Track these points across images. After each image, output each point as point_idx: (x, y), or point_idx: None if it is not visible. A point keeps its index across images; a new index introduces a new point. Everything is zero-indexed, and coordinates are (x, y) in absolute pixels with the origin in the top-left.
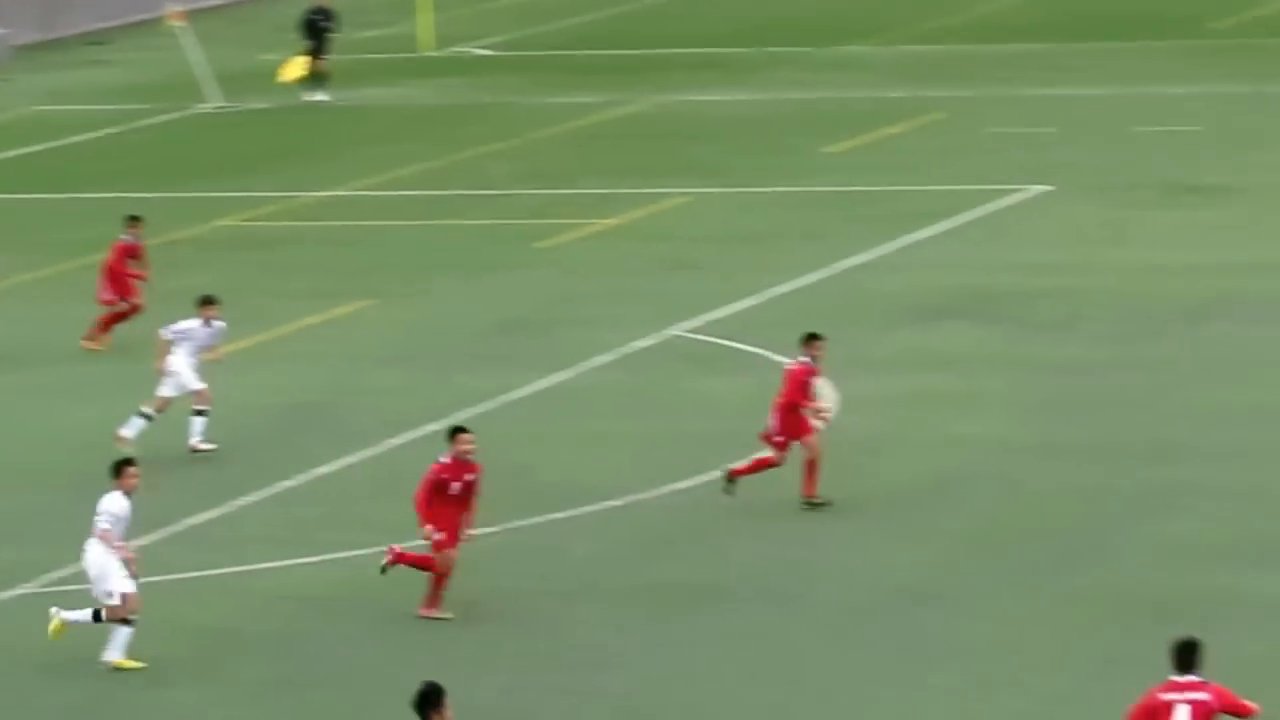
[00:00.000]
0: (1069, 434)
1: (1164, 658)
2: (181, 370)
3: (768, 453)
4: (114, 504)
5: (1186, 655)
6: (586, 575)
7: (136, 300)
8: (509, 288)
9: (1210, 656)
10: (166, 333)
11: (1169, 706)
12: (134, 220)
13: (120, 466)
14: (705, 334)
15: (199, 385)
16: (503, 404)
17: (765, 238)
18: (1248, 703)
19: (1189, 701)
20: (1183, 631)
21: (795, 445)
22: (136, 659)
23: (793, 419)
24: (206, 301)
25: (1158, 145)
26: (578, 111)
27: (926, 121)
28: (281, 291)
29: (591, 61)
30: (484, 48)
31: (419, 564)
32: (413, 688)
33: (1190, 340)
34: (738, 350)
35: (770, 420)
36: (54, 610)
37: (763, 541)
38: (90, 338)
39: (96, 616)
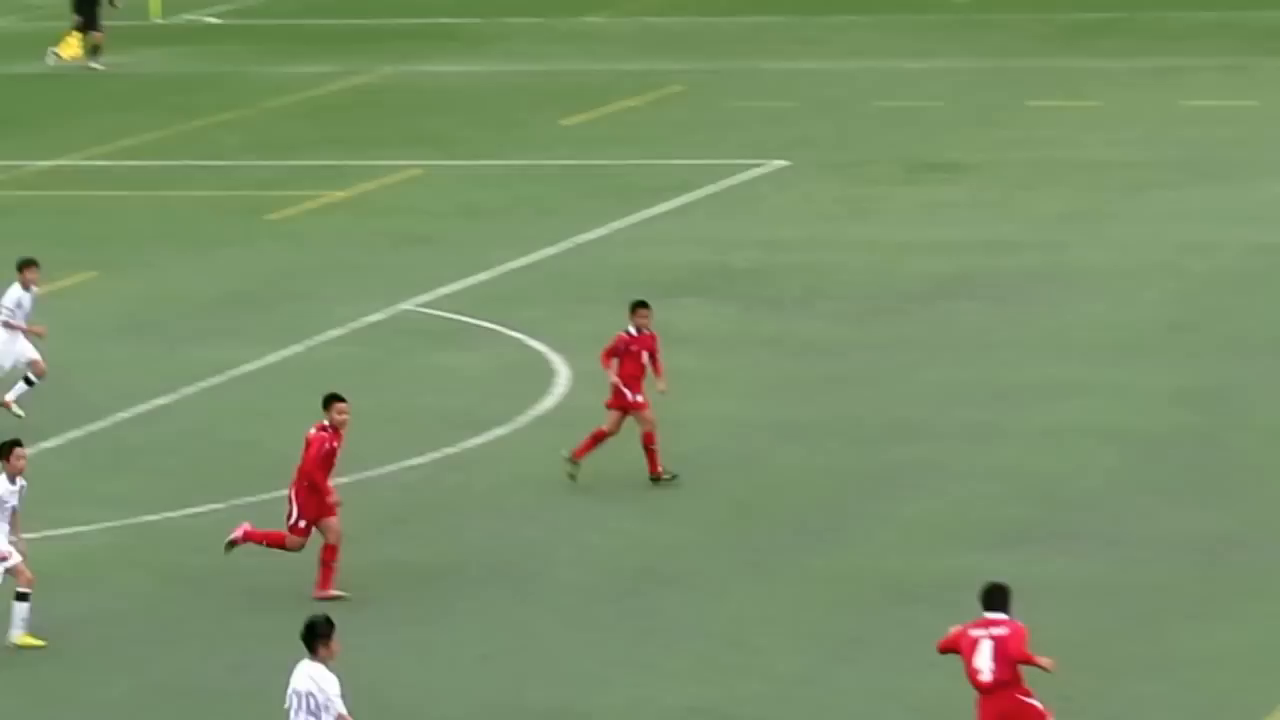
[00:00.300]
0: (808, 413)
1: (903, 638)
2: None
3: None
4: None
5: (996, 596)
6: (308, 552)
7: None
8: (239, 261)
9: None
10: (3, 312)
11: (975, 642)
12: None
13: (7, 448)
14: (438, 309)
15: (34, 355)
16: (231, 378)
17: (499, 212)
18: (1038, 658)
19: (992, 637)
20: (922, 613)
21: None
22: None
23: (616, 390)
24: (28, 264)
25: (898, 121)
26: (309, 81)
27: (664, 95)
28: (6, 261)
29: (323, 31)
30: (215, 16)
31: (269, 541)
32: (137, 666)
33: (931, 319)
34: (471, 325)
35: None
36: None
37: (498, 520)
38: None
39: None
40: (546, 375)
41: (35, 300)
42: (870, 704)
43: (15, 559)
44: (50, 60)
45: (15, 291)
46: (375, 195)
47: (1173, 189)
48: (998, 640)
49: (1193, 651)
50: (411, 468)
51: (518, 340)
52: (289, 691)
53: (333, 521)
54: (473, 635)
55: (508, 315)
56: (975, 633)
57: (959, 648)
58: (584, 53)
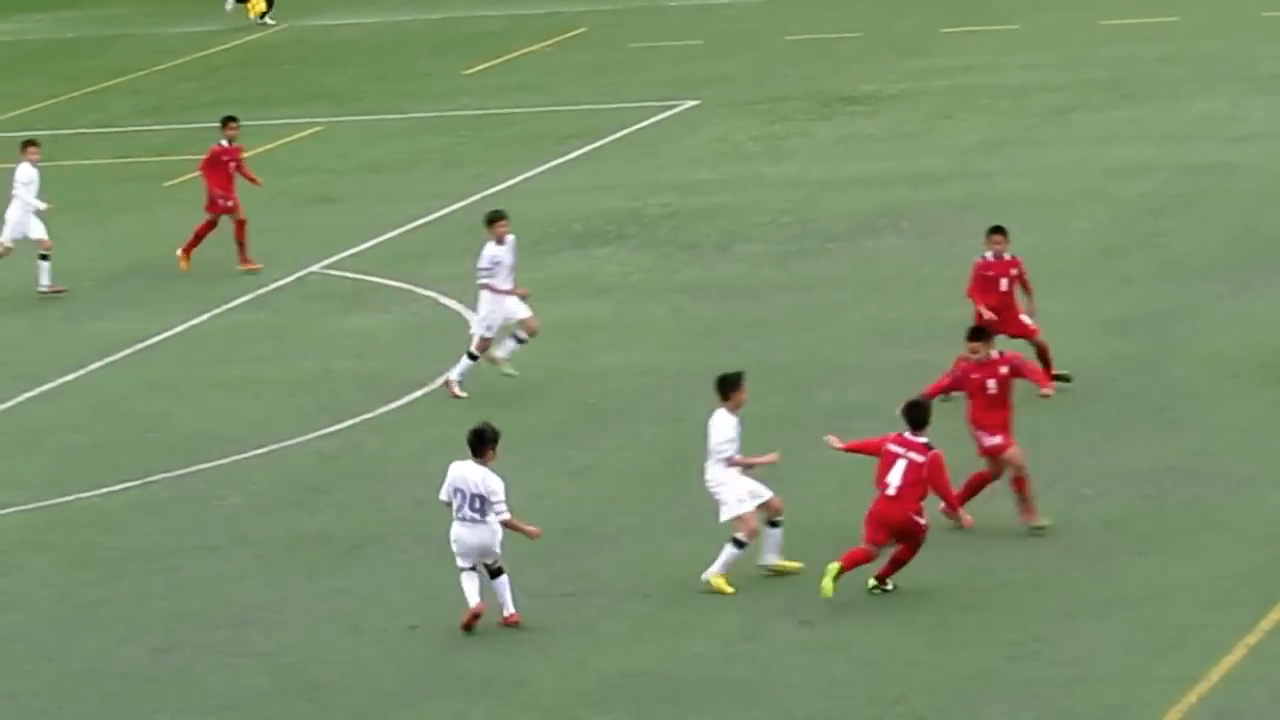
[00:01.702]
0: (734, 360)
1: (845, 590)
2: (513, 305)
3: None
4: (726, 426)
5: (916, 413)
6: (236, 528)
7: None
8: (139, 229)
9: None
10: (481, 274)
11: (892, 458)
12: (230, 121)
13: (729, 384)
14: (347, 270)
15: (525, 312)
16: (137, 351)
17: (404, 167)
18: (952, 494)
19: (907, 459)
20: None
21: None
22: None
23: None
24: (498, 218)
25: (812, 54)
26: (200, 41)
27: (568, 38)
28: None
29: None
30: None
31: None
32: (58, 652)
33: (856, 257)
34: (381, 285)
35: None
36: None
37: (419, 485)
38: (245, 260)
39: (738, 544)
40: (462, 334)
41: (512, 251)
42: (814, 658)
43: (767, 493)
44: (229, 7)
45: (490, 248)
46: (275, 155)
47: (1097, 111)
48: (910, 464)
49: (1145, 589)
50: (329, 435)
51: (430, 299)
52: (448, 487)
53: (1011, 453)
54: (401, 605)
55: (418, 274)
56: (893, 448)
57: (873, 451)
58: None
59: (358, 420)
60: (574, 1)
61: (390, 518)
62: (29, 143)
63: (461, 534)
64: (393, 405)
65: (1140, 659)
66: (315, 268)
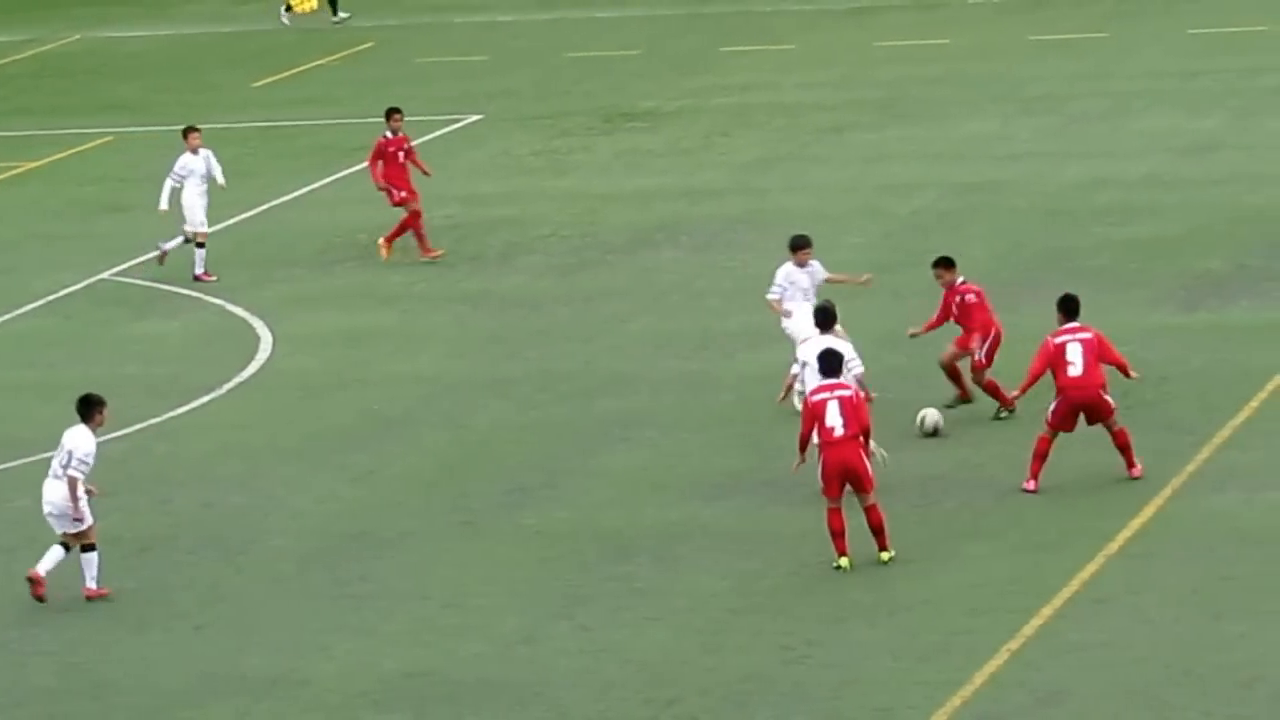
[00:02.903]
0: (515, 369)
1: (622, 592)
2: (800, 326)
3: None
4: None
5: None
6: (25, 529)
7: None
8: None
9: (667, 589)
10: (774, 291)
11: (1063, 348)
12: (394, 113)
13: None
14: (136, 277)
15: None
16: None
17: None
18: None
19: (1079, 340)
20: (643, 565)
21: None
22: None
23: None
24: (802, 244)
25: (593, 71)
26: None
27: (355, 53)
28: None
29: None
30: None
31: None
32: None
33: (635, 269)
34: (170, 293)
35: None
36: None
37: (205, 489)
38: (426, 249)
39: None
40: (249, 341)
41: (816, 273)
42: (591, 660)
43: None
44: (342, 15)
45: (784, 268)
46: (67, 164)
47: (871, 130)
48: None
49: (912, 596)
50: (117, 439)
51: (218, 306)
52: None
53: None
54: (187, 606)
55: (207, 282)
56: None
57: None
58: (273, 13)
59: (145, 425)
60: (361, 17)
61: (177, 520)
62: (190, 129)
63: (46, 488)
64: (180, 410)
65: (907, 663)
66: (106, 275)
